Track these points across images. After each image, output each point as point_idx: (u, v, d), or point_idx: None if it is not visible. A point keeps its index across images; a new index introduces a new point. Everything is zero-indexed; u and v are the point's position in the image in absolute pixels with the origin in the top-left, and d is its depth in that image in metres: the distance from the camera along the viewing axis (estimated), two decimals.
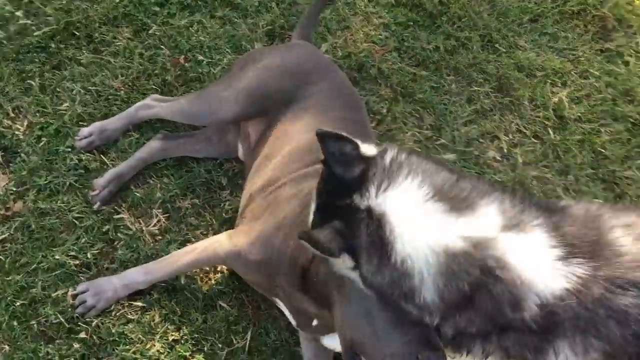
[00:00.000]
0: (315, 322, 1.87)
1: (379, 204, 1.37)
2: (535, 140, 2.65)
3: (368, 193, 1.38)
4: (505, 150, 2.62)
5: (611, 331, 1.40)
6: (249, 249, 1.94)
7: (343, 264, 1.39)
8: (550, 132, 2.65)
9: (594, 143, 2.63)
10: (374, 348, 1.41)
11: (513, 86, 2.77)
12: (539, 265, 1.36)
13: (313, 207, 1.50)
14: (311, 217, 1.50)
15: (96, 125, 2.42)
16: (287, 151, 2.12)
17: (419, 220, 1.35)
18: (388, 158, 1.44)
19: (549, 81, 2.81)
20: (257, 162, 2.21)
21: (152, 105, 2.46)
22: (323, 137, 1.44)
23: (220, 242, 2.06)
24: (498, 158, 2.61)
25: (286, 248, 1.80)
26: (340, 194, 1.41)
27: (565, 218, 1.46)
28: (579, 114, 2.70)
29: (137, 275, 2.15)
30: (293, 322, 2.02)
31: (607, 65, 2.90)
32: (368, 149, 1.45)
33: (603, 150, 2.62)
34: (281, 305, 2.02)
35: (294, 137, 2.13)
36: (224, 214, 2.40)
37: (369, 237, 1.36)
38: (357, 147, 1.43)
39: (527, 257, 1.36)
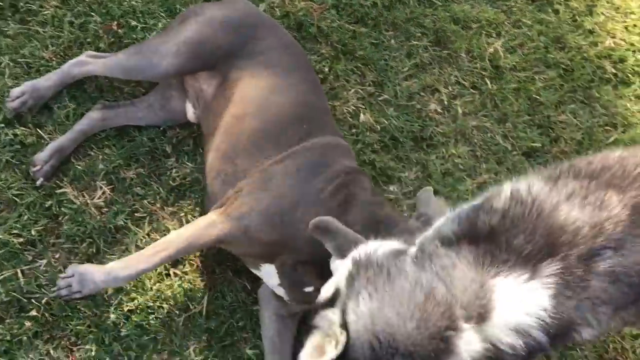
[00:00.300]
0: (310, 289, 1.89)
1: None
2: (474, 91, 2.71)
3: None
4: (445, 102, 2.67)
5: (610, 292, 1.50)
6: (259, 227, 1.93)
7: None
8: (488, 82, 2.71)
9: (529, 90, 2.70)
10: None
11: (450, 39, 2.81)
12: (518, 304, 1.40)
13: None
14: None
15: (28, 85, 2.31)
16: (267, 117, 2.10)
17: None
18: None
19: (484, 32, 2.86)
20: (227, 122, 2.15)
21: (87, 62, 2.36)
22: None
23: (215, 223, 1.97)
24: (439, 110, 2.66)
25: (302, 227, 1.80)
26: None
27: (505, 235, 1.47)
28: (513, 63, 2.76)
29: (120, 271, 1.95)
30: (278, 290, 2.04)
31: (539, 14, 2.97)
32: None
33: (538, 97, 2.70)
34: (265, 274, 2.03)
35: (265, 98, 2.13)
36: (171, 182, 2.36)
37: None
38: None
39: (507, 310, 1.39)
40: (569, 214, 1.53)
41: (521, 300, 1.40)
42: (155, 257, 1.96)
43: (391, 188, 2.49)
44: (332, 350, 1.38)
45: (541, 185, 1.60)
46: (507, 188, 1.59)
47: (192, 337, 2.16)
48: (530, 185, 1.60)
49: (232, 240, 1.98)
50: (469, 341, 1.38)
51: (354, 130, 2.56)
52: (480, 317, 1.38)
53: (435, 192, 2.46)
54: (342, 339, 1.39)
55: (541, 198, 1.56)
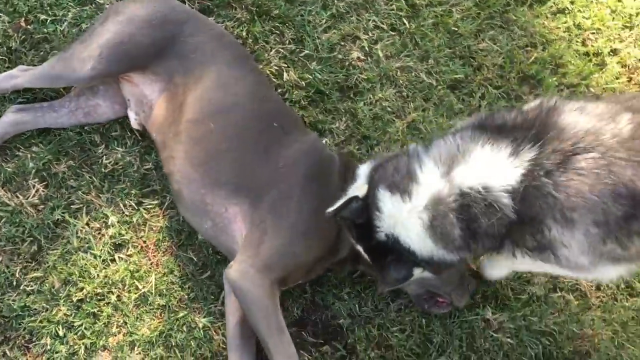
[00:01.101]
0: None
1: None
2: (393, 33, 2.69)
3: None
4: (367, 49, 2.65)
5: (586, 198, 1.58)
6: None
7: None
8: (406, 22, 2.69)
9: (447, 24, 2.69)
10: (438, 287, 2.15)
11: None
12: (495, 169, 1.64)
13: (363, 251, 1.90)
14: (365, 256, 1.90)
15: None
16: (229, 117, 2.11)
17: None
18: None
19: None
20: (187, 128, 2.12)
21: (16, 75, 2.33)
22: (336, 214, 1.82)
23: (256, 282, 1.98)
24: (362, 57, 2.65)
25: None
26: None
27: (511, 127, 1.70)
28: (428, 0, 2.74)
29: None
30: None
31: None
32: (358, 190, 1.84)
33: (456, 29, 2.69)
34: None
35: (217, 97, 2.13)
36: (103, 169, 2.36)
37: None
38: (356, 199, 1.80)
39: (485, 169, 1.65)
40: (573, 119, 1.65)
41: (495, 166, 1.64)
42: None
43: (324, 141, 2.50)
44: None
45: (569, 101, 1.74)
46: (541, 98, 1.78)
47: (145, 316, 2.19)
48: (560, 99, 1.74)
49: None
50: (430, 173, 1.71)
51: (279, 90, 2.55)
52: (449, 165, 1.69)
53: (367, 138, 2.50)
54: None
55: (559, 107, 1.70)
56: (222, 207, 2.08)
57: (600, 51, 2.72)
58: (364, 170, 1.92)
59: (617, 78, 2.67)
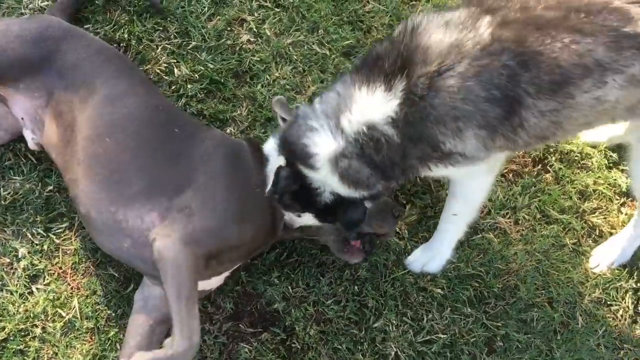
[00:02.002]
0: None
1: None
2: (278, 9, 2.65)
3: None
4: (255, 30, 2.61)
5: (461, 108, 1.68)
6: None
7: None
8: None
9: None
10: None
11: None
12: (374, 107, 1.75)
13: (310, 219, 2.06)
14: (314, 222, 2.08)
15: None
16: (126, 131, 2.05)
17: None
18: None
19: None
20: (84, 147, 2.03)
21: None
22: (275, 191, 1.95)
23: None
24: (251, 39, 2.60)
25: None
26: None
27: (382, 58, 1.77)
28: None
29: None
30: None
31: None
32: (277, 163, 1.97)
33: None
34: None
35: (109, 112, 2.06)
36: (3, 202, 2.27)
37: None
38: (281, 167, 1.92)
39: (366, 110, 1.76)
40: (435, 36, 1.71)
41: (372, 105, 1.74)
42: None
43: (228, 130, 2.46)
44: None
45: (433, 15, 1.78)
46: (408, 20, 1.81)
47: (74, 342, 2.14)
48: (425, 16, 1.79)
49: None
50: (321, 139, 1.82)
51: (173, 87, 2.49)
52: (336, 117, 1.80)
53: (270, 120, 2.47)
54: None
55: (422, 24, 1.75)
56: (137, 219, 1.97)
57: None
58: (269, 147, 2.01)
59: None
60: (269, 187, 1.94)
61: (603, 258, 2.37)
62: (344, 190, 1.89)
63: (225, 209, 2.00)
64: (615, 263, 2.36)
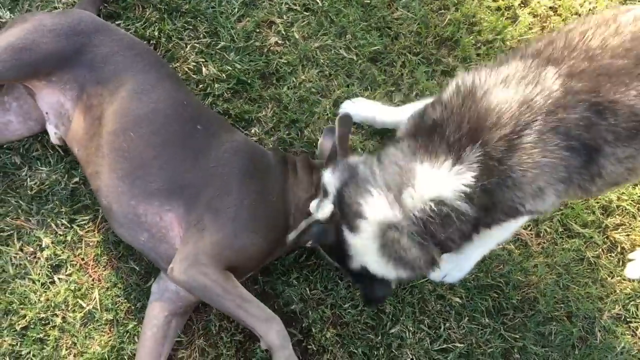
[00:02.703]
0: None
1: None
2: (307, 13, 2.66)
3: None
4: (283, 32, 2.62)
5: (543, 163, 1.61)
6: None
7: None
8: (318, 0, 2.66)
9: None
10: None
11: None
12: (441, 182, 1.65)
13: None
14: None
15: None
16: (151, 126, 2.06)
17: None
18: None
19: None
20: (109, 141, 2.05)
21: None
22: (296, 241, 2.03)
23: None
24: (279, 42, 2.61)
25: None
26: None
27: (442, 126, 1.68)
28: None
29: None
30: None
31: None
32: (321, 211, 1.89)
33: (369, 1, 2.67)
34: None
35: (136, 107, 2.08)
36: (29, 192, 2.28)
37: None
38: (317, 223, 1.89)
39: (432, 186, 1.66)
40: (500, 96, 1.63)
41: (440, 180, 1.64)
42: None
43: (253, 131, 2.47)
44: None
45: (485, 72, 1.70)
46: (455, 79, 1.73)
47: (93, 333, 2.15)
48: (476, 74, 1.71)
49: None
50: (376, 205, 1.71)
51: (200, 86, 2.50)
52: (398, 190, 1.70)
53: (295, 122, 2.48)
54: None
55: (478, 84, 1.67)
56: (156, 216, 2.02)
57: (511, 4, 2.76)
58: (329, 182, 1.90)
59: (530, 29, 2.72)
60: (294, 232, 2.01)
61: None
62: (379, 265, 1.78)
63: (235, 218, 2.01)
64: None
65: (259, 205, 2.04)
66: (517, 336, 2.26)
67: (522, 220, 1.93)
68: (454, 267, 2.26)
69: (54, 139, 2.26)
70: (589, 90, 1.63)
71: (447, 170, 1.63)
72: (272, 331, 1.88)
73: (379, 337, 2.23)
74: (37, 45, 2.11)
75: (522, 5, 2.77)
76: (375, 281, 1.83)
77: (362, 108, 2.43)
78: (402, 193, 1.69)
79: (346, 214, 1.78)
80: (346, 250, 1.81)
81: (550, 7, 2.77)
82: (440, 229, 1.68)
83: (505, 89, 1.66)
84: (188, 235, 2.00)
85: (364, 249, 1.76)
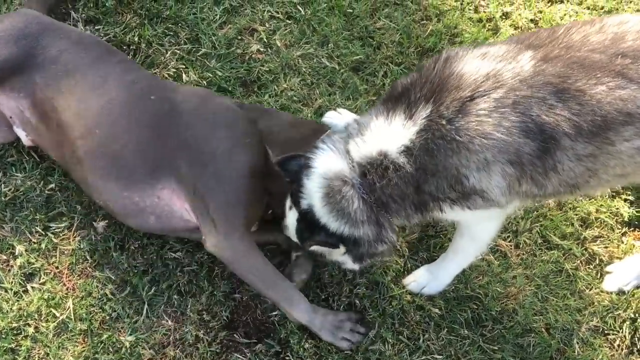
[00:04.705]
0: None
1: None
2: (290, 21, 2.66)
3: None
4: (265, 40, 2.61)
5: (487, 133, 1.59)
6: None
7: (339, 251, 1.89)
8: (301, 9, 2.66)
9: (341, 7, 2.67)
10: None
11: None
12: (389, 134, 1.68)
13: (292, 217, 1.92)
14: (293, 223, 1.93)
15: None
16: (116, 118, 2.06)
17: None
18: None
19: None
20: (81, 145, 2.04)
21: None
22: (282, 163, 1.90)
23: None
24: (261, 49, 2.60)
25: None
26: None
27: (411, 89, 1.70)
28: None
29: None
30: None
31: None
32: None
33: (352, 11, 2.68)
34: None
35: (96, 104, 2.07)
36: (3, 198, 2.26)
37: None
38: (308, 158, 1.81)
39: (379, 137, 1.70)
40: (471, 65, 1.64)
41: (388, 133, 1.67)
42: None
43: None
44: None
45: (470, 48, 1.72)
46: (441, 53, 1.75)
47: (67, 344, 2.11)
48: (461, 48, 1.73)
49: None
50: (325, 154, 1.78)
51: None
52: (348, 142, 1.76)
53: None
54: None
55: (456, 55, 1.69)
56: (153, 198, 2.04)
57: (492, 16, 2.77)
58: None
59: None
60: (282, 156, 1.96)
61: (618, 277, 2.33)
62: (323, 211, 1.79)
63: (219, 171, 2.02)
64: (630, 284, 2.32)
65: (234, 152, 2.05)
66: (496, 348, 2.25)
67: (486, 221, 1.93)
68: (433, 278, 2.25)
69: (26, 141, 2.23)
70: (558, 74, 1.61)
71: (397, 125, 1.65)
72: (295, 310, 2.08)
73: (358, 354, 2.19)
74: None
75: (504, 17, 2.79)
76: (318, 227, 1.82)
77: (347, 119, 2.42)
78: (350, 143, 1.74)
79: (305, 164, 1.83)
80: (301, 192, 1.83)
81: (531, 20, 2.78)
82: (379, 181, 1.69)
83: (480, 61, 1.66)
84: (195, 206, 2.03)
85: (312, 193, 1.79)
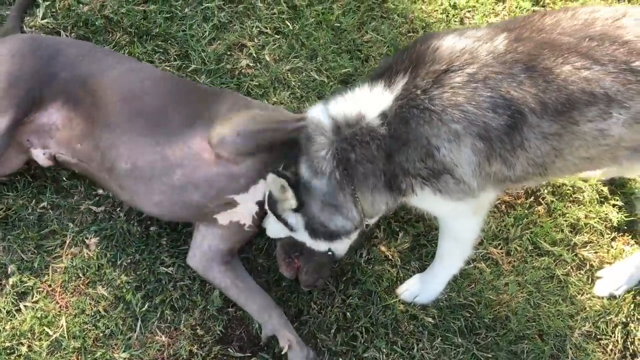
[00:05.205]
0: None
1: None
2: (278, 36, 2.68)
3: None
4: (254, 55, 2.63)
5: (462, 108, 1.65)
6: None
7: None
8: (289, 24, 2.69)
9: (329, 21, 2.70)
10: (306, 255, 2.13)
11: None
12: (368, 100, 1.76)
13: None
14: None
15: None
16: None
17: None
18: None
19: None
20: (118, 111, 2.14)
21: None
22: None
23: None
24: (251, 64, 2.62)
25: None
26: None
27: (393, 65, 1.78)
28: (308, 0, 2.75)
29: None
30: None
31: None
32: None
33: (339, 25, 2.70)
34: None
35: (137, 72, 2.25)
36: None
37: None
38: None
39: (359, 102, 1.78)
40: (449, 42, 1.73)
41: (368, 98, 1.76)
42: None
43: None
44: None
45: (452, 30, 1.83)
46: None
47: None
48: (444, 31, 1.87)
49: None
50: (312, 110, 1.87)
51: None
52: (330, 107, 1.83)
53: None
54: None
55: (438, 35, 1.78)
56: (185, 148, 2.10)
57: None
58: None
59: None
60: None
61: (609, 282, 2.34)
62: (303, 166, 1.87)
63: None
64: (621, 289, 2.34)
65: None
66: (490, 355, 2.25)
67: (464, 217, 1.95)
68: (425, 287, 2.26)
69: (43, 162, 2.22)
70: (528, 53, 1.67)
71: (377, 93, 1.73)
72: (270, 322, 2.13)
73: None
74: (24, 69, 2.11)
75: None
76: (298, 182, 1.86)
77: None
78: (330, 103, 1.83)
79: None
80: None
81: None
82: (350, 137, 1.75)
83: (457, 38, 1.74)
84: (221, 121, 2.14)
85: (301, 145, 1.86)
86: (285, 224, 1.97)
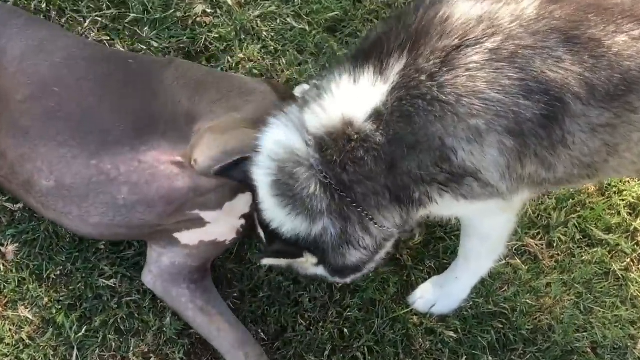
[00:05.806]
0: None
1: None
2: None
3: None
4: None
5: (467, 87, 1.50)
6: None
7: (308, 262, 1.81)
8: None
9: None
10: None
11: None
12: (355, 96, 1.56)
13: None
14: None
15: None
16: None
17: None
18: None
19: None
20: (31, 108, 2.00)
21: None
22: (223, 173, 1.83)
23: None
24: (208, 11, 2.50)
25: None
26: None
27: (382, 40, 1.60)
28: None
29: None
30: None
31: None
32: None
33: None
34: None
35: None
36: None
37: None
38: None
39: (343, 101, 1.58)
40: (462, 7, 1.58)
41: (353, 95, 1.56)
42: None
43: None
44: None
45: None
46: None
47: None
48: None
49: None
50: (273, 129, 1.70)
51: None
52: (302, 111, 1.65)
53: None
54: None
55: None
56: (133, 162, 1.99)
57: None
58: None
59: None
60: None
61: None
62: (273, 210, 1.72)
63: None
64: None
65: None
66: None
67: (492, 215, 1.86)
68: (444, 293, 2.21)
69: None
70: (568, 19, 1.56)
71: (365, 84, 1.57)
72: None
73: None
74: None
75: None
76: (271, 232, 1.76)
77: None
78: (306, 112, 1.65)
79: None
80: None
81: None
82: (338, 156, 1.58)
83: (474, 2, 1.60)
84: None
85: (260, 183, 1.72)
86: (316, 277, 1.93)
